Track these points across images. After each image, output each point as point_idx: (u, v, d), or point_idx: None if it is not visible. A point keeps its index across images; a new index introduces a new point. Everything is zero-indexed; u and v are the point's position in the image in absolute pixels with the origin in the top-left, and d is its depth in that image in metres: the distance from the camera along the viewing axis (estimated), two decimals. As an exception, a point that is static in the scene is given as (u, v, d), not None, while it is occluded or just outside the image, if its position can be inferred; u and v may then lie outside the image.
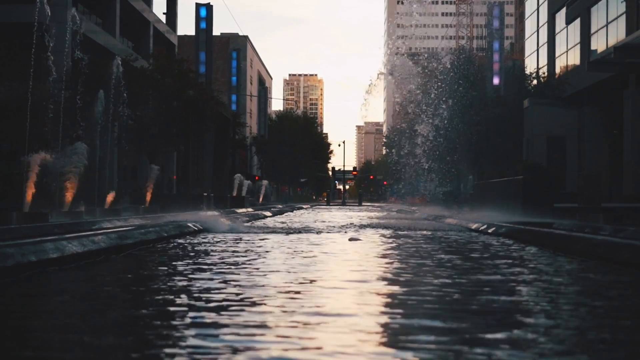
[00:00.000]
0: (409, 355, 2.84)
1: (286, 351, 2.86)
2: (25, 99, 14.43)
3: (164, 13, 48.60)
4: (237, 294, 4.43)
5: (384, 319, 3.67)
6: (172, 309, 3.93)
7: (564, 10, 32.96)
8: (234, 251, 7.85)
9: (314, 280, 5.26)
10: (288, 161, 62.58)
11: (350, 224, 16.50)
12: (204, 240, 9.80)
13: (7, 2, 27.79)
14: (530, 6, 43.55)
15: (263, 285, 4.91)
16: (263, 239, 10.02)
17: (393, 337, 3.24)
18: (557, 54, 34.79)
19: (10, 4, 27.53)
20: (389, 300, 4.38)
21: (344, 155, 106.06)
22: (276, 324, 3.43)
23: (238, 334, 3.19)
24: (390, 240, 10.26)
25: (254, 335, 3.18)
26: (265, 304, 4.07)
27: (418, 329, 3.39)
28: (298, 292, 4.58)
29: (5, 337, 3.19)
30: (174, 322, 3.50)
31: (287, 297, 4.35)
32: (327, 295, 4.47)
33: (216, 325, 3.42)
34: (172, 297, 4.39)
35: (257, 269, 6.02)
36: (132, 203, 20.91)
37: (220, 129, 40.11)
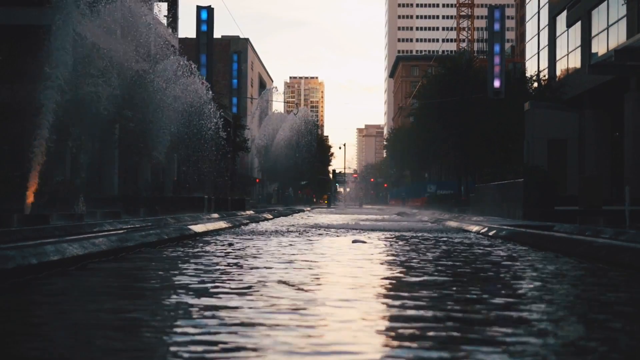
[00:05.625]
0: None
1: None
2: (26, 101, 14.44)
3: (164, 16, 48.62)
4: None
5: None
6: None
7: (564, 14, 32.96)
8: (232, 252, 7.85)
9: (319, 277, 5.26)
10: (288, 164, 62.53)
11: (353, 226, 16.51)
12: (211, 242, 9.79)
13: (8, 4, 27.80)
14: (531, 9, 43.56)
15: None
16: (266, 241, 10.01)
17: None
18: (557, 57, 34.79)
19: (12, 7, 27.55)
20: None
21: (345, 158, 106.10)
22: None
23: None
24: (392, 242, 10.26)
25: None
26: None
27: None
28: (306, 290, 4.58)
29: None
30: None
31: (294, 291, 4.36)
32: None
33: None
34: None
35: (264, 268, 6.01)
36: (133, 205, 20.87)
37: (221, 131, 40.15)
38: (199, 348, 3.01)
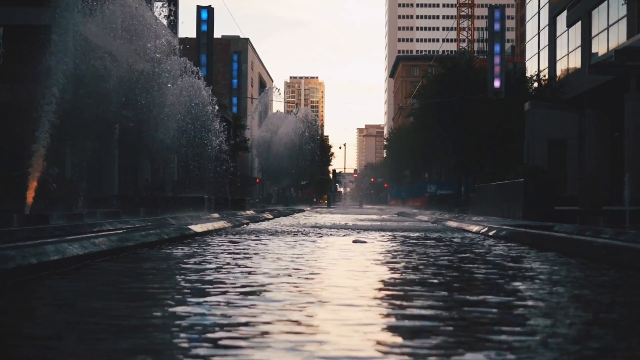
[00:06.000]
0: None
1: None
2: (26, 101, 14.41)
3: (165, 16, 48.59)
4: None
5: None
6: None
7: (564, 14, 32.97)
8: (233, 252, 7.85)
9: (319, 273, 5.26)
10: (290, 165, 62.52)
11: (353, 226, 16.53)
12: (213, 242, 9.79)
13: (8, 4, 27.81)
14: (531, 9, 43.59)
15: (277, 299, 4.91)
16: (268, 240, 10.02)
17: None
18: (557, 57, 34.79)
19: (12, 7, 27.56)
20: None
21: (345, 158, 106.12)
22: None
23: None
24: (393, 242, 10.26)
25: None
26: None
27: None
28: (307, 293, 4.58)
29: None
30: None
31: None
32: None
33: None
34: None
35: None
36: (133, 205, 20.87)
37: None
38: (201, 346, 3.02)
